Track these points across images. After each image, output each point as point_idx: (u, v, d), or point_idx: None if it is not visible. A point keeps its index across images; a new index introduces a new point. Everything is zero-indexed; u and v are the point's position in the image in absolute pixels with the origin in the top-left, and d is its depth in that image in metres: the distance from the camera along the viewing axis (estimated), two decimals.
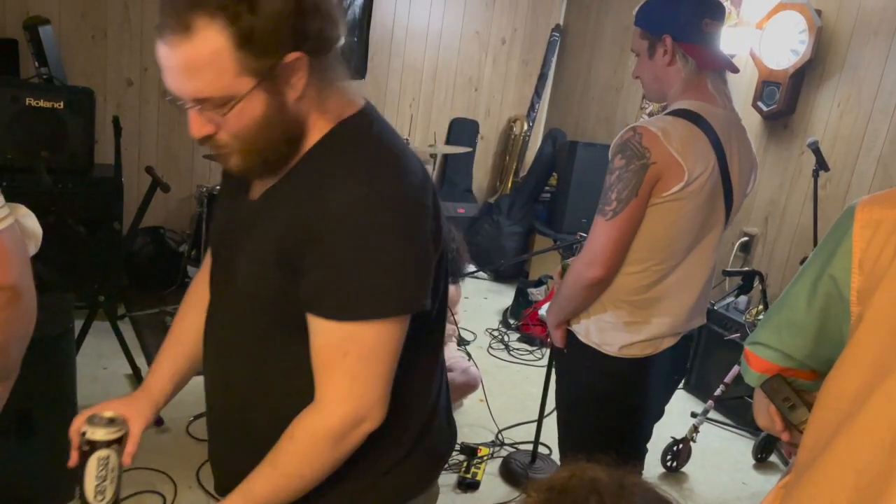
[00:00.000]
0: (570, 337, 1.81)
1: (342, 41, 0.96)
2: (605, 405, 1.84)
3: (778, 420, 1.05)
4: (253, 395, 1.07)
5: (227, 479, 1.08)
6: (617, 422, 1.88)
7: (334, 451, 0.96)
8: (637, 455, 1.98)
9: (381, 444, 1.04)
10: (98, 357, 3.15)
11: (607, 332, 1.73)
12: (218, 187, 1.82)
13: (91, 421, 1.05)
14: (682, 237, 1.67)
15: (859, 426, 0.82)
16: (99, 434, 1.03)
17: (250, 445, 1.04)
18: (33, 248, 1.19)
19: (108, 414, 1.07)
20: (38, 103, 3.25)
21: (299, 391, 0.99)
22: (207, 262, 1.20)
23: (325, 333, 0.94)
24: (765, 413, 1.08)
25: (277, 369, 1.04)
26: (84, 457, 1.04)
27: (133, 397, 1.16)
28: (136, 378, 2.89)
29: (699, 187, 1.61)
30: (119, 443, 1.05)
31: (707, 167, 1.61)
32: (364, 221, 0.91)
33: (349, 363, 0.94)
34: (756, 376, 1.04)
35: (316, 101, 0.96)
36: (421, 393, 1.13)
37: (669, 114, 1.65)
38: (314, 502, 1.03)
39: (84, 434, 1.04)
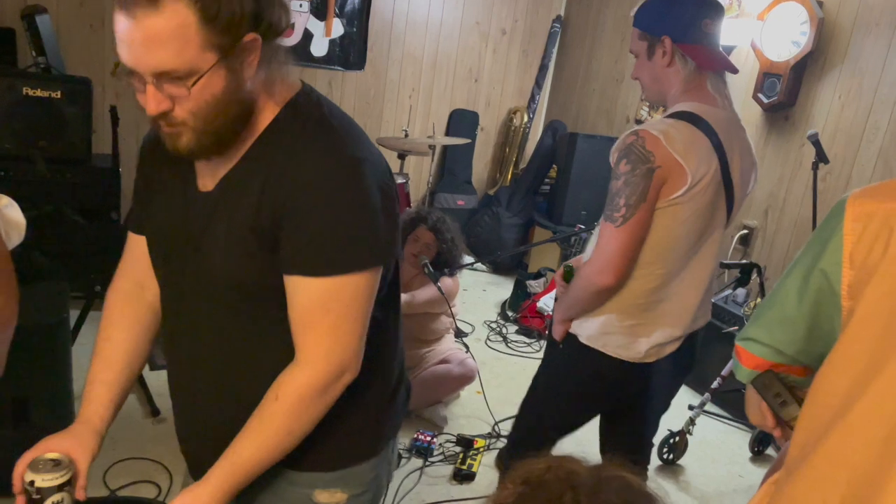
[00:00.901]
0: (570, 337, 1.81)
1: (288, 28, 1.00)
2: (585, 403, 1.88)
3: (769, 416, 1.04)
4: (229, 379, 1.09)
5: (202, 462, 1.09)
6: (588, 417, 1.96)
7: (319, 404, 1.02)
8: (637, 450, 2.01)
9: (370, 390, 1.14)
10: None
11: (613, 336, 1.73)
12: None
13: (35, 467, 1.02)
14: (686, 239, 1.67)
15: (852, 422, 0.81)
16: (48, 480, 1.01)
17: (226, 424, 1.06)
18: (17, 238, 1.18)
19: (52, 456, 1.04)
20: (35, 93, 3.24)
21: (274, 370, 1.03)
22: (127, 271, 1.20)
23: (307, 292, 0.99)
24: (756, 409, 1.07)
25: (253, 349, 1.07)
26: None
27: (74, 431, 1.12)
28: None
29: (702, 190, 1.60)
30: (70, 484, 1.03)
31: (709, 169, 1.60)
32: (336, 183, 0.97)
33: (330, 320, 0.99)
34: (747, 372, 1.03)
35: (264, 84, 1.00)
36: (394, 341, 1.21)
37: (670, 116, 1.64)
38: (306, 453, 1.08)
39: (32, 483, 1.00)
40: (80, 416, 1.15)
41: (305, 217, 0.96)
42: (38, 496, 1.00)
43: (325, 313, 0.99)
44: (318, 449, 1.10)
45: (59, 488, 1.01)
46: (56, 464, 1.03)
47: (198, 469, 1.15)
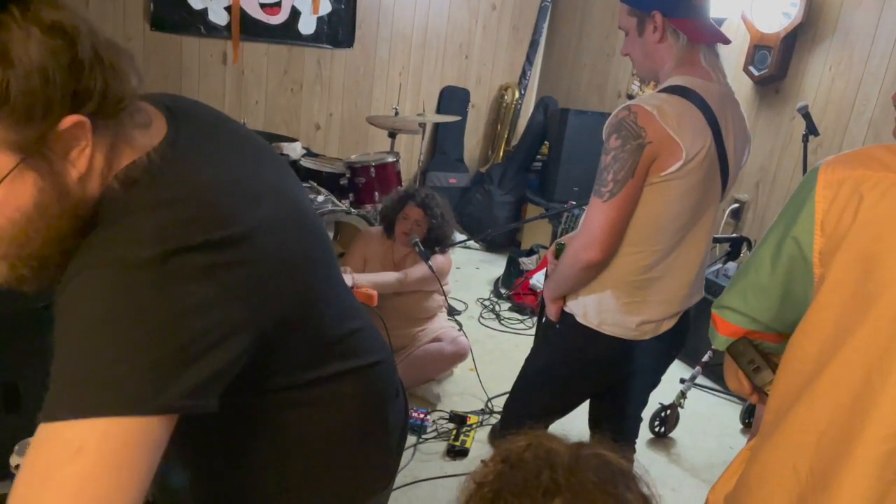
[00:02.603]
0: (566, 317, 1.81)
1: (138, 92, 0.75)
2: (582, 383, 1.89)
3: (746, 383, 1.06)
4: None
5: None
6: (584, 397, 1.97)
7: None
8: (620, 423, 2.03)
9: (325, 456, 0.98)
10: None
11: (607, 314, 1.73)
12: None
13: (21, 451, 1.02)
14: (681, 216, 1.66)
15: (820, 388, 0.82)
16: None
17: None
18: None
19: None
20: None
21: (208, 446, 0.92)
22: None
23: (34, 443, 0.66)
24: (734, 376, 1.09)
25: None
26: None
27: None
28: None
29: (697, 165, 1.59)
30: None
31: (704, 144, 1.59)
32: (85, 295, 0.68)
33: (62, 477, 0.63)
34: (723, 340, 1.04)
35: (105, 171, 0.73)
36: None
37: (664, 91, 1.62)
38: None
39: (18, 467, 0.98)
40: None
41: (56, 347, 0.69)
42: None
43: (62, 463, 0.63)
44: None
45: None
46: None
47: None
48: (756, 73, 3.64)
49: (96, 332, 0.67)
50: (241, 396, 0.78)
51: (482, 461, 0.76)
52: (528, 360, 2.01)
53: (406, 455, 2.64)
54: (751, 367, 1.01)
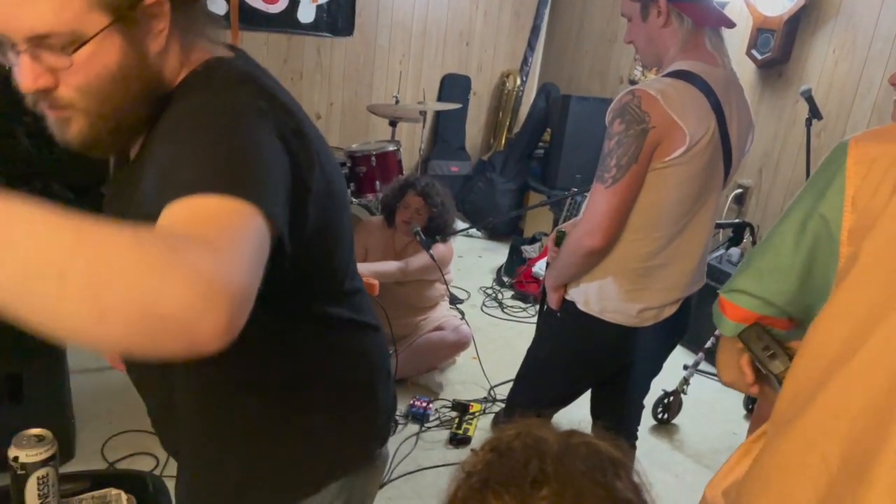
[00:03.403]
0: (567, 304, 1.81)
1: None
2: (586, 371, 1.88)
3: (750, 372, 1.01)
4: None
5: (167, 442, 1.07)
6: (587, 384, 1.96)
7: (164, 257, 0.56)
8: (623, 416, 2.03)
9: (309, 405, 1.00)
10: None
11: (609, 301, 1.72)
12: None
13: (19, 443, 1.02)
14: (684, 202, 1.65)
15: (853, 371, 0.79)
16: (32, 456, 1.01)
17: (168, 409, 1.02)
18: None
19: (35, 432, 1.05)
20: None
21: (218, 369, 0.92)
22: None
23: (165, 216, 0.68)
24: (733, 366, 1.04)
25: None
26: (21, 480, 1.02)
27: None
28: None
29: (700, 151, 1.58)
30: (54, 458, 1.04)
31: (708, 130, 1.57)
32: (204, 118, 0.77)
33: (203, 220, 0.66)
34: (732, 325, 0.99)
35: (181, 58, 0.85)
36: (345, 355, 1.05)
37: (668, 75, 1.60)
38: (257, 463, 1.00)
39: (16, 459, 1.01)
40: None
41: (165, 155, 0.76)
42: (23, 472, 1.01)
43: (195, 217, 0.67)
44: (246, 493, 1.00)
45: (44, 463, 1.02)
46: (39, 439, 1.04)
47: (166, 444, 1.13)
48: (759, 56, 3.61)
49: (221, 136, 0.75)
50: (269, 308, 0.81)
51: (472, 450, 0.75)
52: (530, 349, 2.00)
53: (409, 443, 2.65)
54: (766, 353, 0.95)
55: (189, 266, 0.56)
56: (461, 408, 2.88)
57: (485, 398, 3.02)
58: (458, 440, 2.70)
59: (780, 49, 3.53)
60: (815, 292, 0.89)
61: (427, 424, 2.79)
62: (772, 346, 0.95)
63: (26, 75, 0.75)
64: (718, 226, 3.08)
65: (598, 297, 1.73)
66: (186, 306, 0.55)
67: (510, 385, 2.07)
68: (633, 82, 4.58)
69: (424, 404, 2.85)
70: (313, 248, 0.89)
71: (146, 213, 0.70)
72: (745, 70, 3.69)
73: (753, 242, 3.13)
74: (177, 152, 0.75)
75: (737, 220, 3.11)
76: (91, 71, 0.76)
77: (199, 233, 0.62)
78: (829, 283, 0.84)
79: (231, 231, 0.65)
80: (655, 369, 2.00)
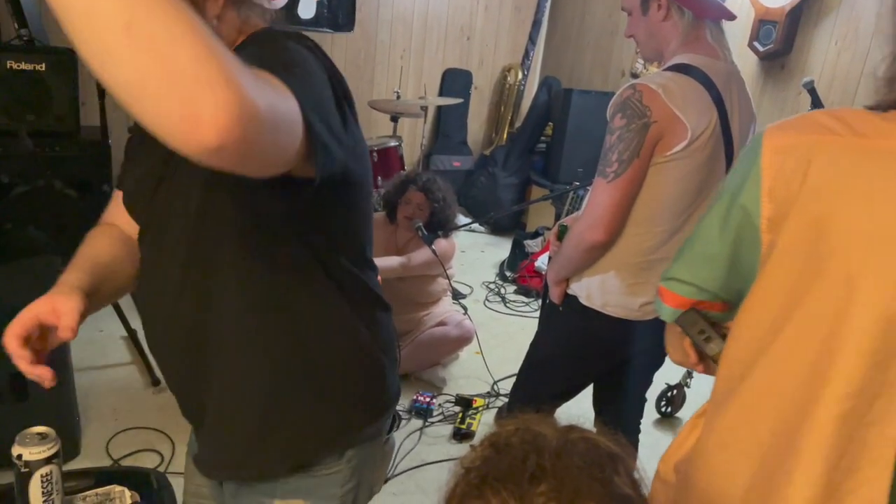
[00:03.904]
0: (569, 299, 1.80)
1: None
2: (588, 365, 1.88)
3: (692, 353, 1.07)
4: (197, 328, 1.02)
5: (191, 406, 1.09)
6: (590, 379, 1.96)
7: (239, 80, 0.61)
8: (621, 407, 2.03)
9: (327, 362, 1.05)
10: (93, 319, 3.14)
11: (611, 295, 1.72)
12: None
13: (22, 441, 1.03)
14: (686, 196, 1.64)
15: (778, 352, 0.84)
16: (35, 454, 1.02)
17: (198, 370, 1.03)
18: None
19: (38, 430, 1.05)
20: (19, 66, 3.20)
21: (251, 317, 0.99)
22: (107, 219, 1.15)
23: None
24: (678, 347, 1.10)
25: (216, 289, 0.99)
26: (25, 478, 1.02)
27: (52, 292, 0.98)
28: (132, 340, 2.92)
29: (702, 145, 1.57)
30: (57, 456, 1.04)
31: (709, 124, 1.57)
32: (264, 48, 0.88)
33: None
34: (670, 311, 1.05)
35: (238, 25, 0.94)
36: (367, 309, 1.10)
37: (669, 69, 1.60)
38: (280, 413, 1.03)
39: (20, 457, 1.02)
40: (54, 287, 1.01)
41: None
42: (27, 469, 1.01)
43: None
44: (266, 439, 1.04)
45: (47, 461, 1.02)
46: (43, 437, 1.04)
47: (186, 415, 1.15)
48: (761, 48, 3.60)
49: (277, 51, 0.85)
50: (304, 242, 0.96)
51: (471, 445, 0.75)
52: (532, 344, 2.00)
53: (413, 438, 2.66)
54: (701, 336, 1.02)
55: (226, 65, 0.59)
56: (464, 403, 2.89)
57: (488, 393, 3.02)
58: (462, 435, 2.70)
59: (782, 41, 3.51)
60: (743, 277, 0.93)
61: (430, 419, 2.80)
62: (706, 329, 1.02)
63: None
64: None
65: (600, 291, 1.72)
66: (205, 76, 0.57)
67: (513, 380, 2.08)
68: (634, 75, 4.57)
69: (428, 399, 2.86)
70: (344, 189, 0.99)
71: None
72: (747, 62, 3.68)
73: None
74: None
75: None
76: None
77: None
78: (754, 269, 0.89)
79: (272, 84, 0.72)
80: (658, 362, 2.00)
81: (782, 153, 0.85)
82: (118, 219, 1.15)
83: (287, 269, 0.99)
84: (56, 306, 0.93)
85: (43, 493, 1.02)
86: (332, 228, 1.01)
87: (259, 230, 0.96)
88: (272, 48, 0.89)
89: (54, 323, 0.93)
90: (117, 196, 1.17)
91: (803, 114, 0.90)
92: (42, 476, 1.02)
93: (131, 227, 1.13)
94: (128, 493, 1.15)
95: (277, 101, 0.70)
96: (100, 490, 1.15)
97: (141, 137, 1.09)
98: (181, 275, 1.00)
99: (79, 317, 0.94)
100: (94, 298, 1.00)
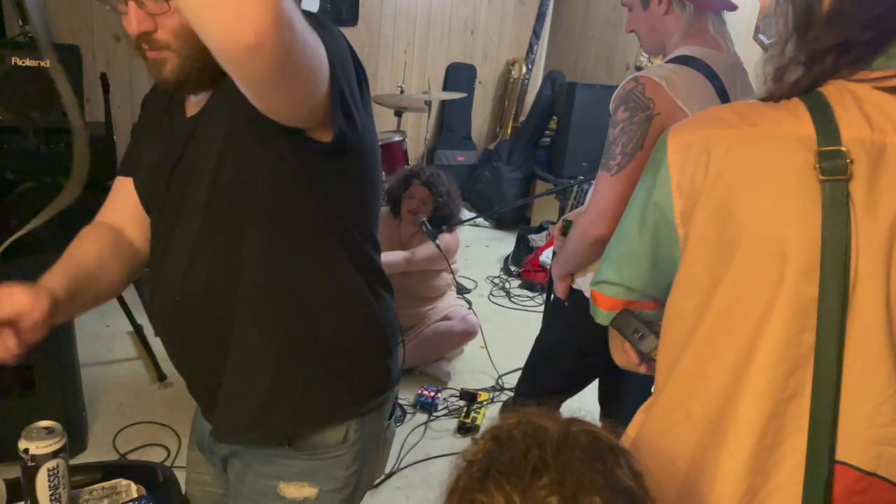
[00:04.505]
0: (574, 294, 1.81)
1: None
2: (594, 359, 1.88)
3: (633, 354, 1.09)
4: (214, 312, 1.04)
5: (201, 381, 1.11)
6: (595, 374, 1.97)
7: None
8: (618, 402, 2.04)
9: (336, 332, 1.07)
10: (100, 315, 3.20)
11: None
12: None
13: (29, 435, 1.04)
14: None
15: (702, 337, 0.88)
16: (42, 448, 1.03)
17: (216, 360, 1.04)
18: None
19: (45, 424, 1.06)
20: (23, 63, 3.20)
21: (269, 283, 1.01)
22: (106, 213, 1.16)
23: None
24: (620, 350, 1.12)
25: (235, 275, 1.01)
26: (31, 472, 1.03)
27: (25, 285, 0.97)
28: (138, 335, 2.93)
29: None
30: (64, 450, 1.05)
31: None
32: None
33: None
34: (605, 314, 1.08)
35: None
36: (373, 292, 1.12)
37: (672, 61, 1.59)
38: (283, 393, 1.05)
39: (27, 451, 1.03)
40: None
41: None
42: (34, 463, 1.02)
43: None
44: (269, 411, 1.05)
45: (54, 455, 1.03)
46: (49, 431, 1.05)
47: (193, 391, 1.16)
48: (766, 41, 3.58)
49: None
50: (318, 211, 1.00)
51: (472, 439, 0.76)
52: (537, 338, 2.01)
53: (417, 433, 2.67)
54: (636, 336, 1.04)
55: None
56: (469, 397, 2.89)
57: (493, 387, 3.03)
58: (467, 429, 2.71)
59: None
60: (666, 272, 0.97)
61: (435, 414, 2.81)
62: (640, 328, 1.04)
63: (132, 20, 0.90)
64: None
65: None
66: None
67: (518, 374, 2.08)
68: (639, 69, 4.55)
69: (432, 394, 2.86)
70: (357, 160, 1.03)
71: (225, 128, 0.92)
72: (752, 55, 3.66)
73: None
74: None
75: None
76: (184, 17, 0.87)
77: None
78: (676, 262, 0.93)
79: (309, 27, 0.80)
80: None
81: (684, 148, 0.89)
82: (117, 212, 1.16)
83: (304, 239, 1.02)
84: (21, 304, 0.92)
85: (49, 487, 1.03)
86: (346, 200, 1.04)
87: (277, 201, 0.98)
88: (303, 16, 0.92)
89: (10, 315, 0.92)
90: (119, 184, 1.17)
91: (706, 110, 0.95)
92: (49, 470, 1.03)
93: (130, 220, 1.15)
94: (134, 486, 1.16)
95: (309, 32, 0.80)
96: (106, 484, 1.16)
97: (152, 121, 1.11)
98: (198, 248, 1.02)
99: (36, 317, 0.92)
100: (70, 305, 1.01)
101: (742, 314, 0.84)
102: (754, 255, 0.82)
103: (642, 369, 1.11)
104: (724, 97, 1.59)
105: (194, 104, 1.03)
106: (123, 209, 1.15)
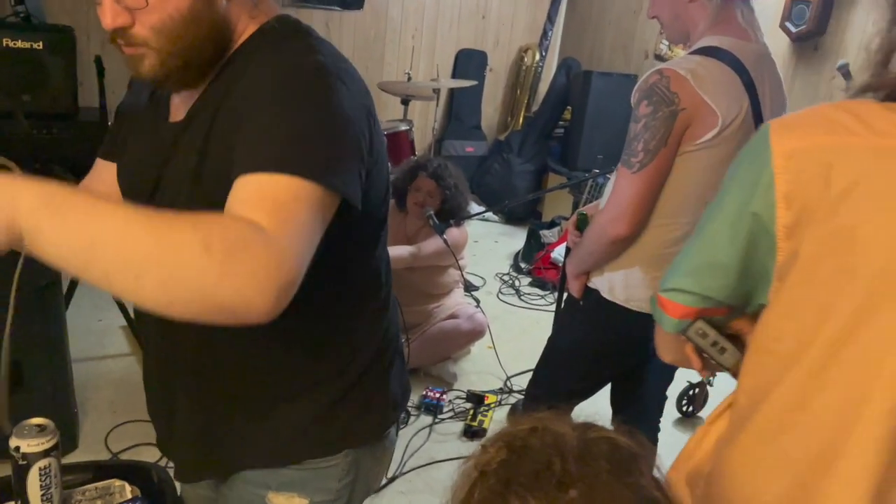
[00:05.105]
0: (590, 292, 1.80)
1: None
2: (609, 362, 1.88)
3: (697, 359, 1.05)
4: (206, 366, 1.05)
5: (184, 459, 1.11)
6: (610, 376, 1.97)
7: (226, 253, 0.72)
8: (640, 405, 2.03)
9: (319, 374, 1.05)
10: (93, 309, 3.22)
11: (635, 289, 1.71)
12: None
13: (20, 433, 1.03)
14: (715, 186, 1.57)
15: (809, 367, 0.82)
16: (34, 446, 1.02)
17: (199, 391, 1.05)
18: None
19: (37, 421, 1.06)
20: (15, 44, 3.21)
21: (248, 344, 0.99)
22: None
23: (241, 189, 0.82)
24: (675, 349, 1.08)
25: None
26: (23, 471, 1.03)
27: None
28: (131, 330, 2.95)
29: (732, 133, 1.56)
30: (56, 448, 1.05)
31: (741, 110, 1.55)
32: (293, 82, 0.88)
33: (268, 208, 0.79)
34: (675, 323, 1.02)
35: (248, 10, 0.96)
36: (366, 321, 1.12)
37: (697, 52, 1.58)
38: (259, 443, 1.05)
39: (18, 449, 1.02)
40: None
41: (252, 115, 0.87)
42: (25, 462, 1.03)
43: (263, 201, 0.80)
44: (260, 434, 1.06)
45: (46, 454, 1.03)
46: (41, 429, 1.05)
47: (183, 470, 1.16)
48: (793, 29, 3.56)
49: (299, 106, 0.86)
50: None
51: (482, 445, 0.74)
52: (550, 338, 2.00)
53: (422, 435, 2.67)
54: (715, 348, 0.99)
55: (247, 266, 0.72)
56: (476, 399, 2.90)
57: (501, 389, 3.03)
58: (473, 432, 2.71)
59: (815, 21, 3.48)
60: (754, 281, 0.92)
61: (440, 416, 2.81)
62: (719, 340, 0.99)
63: (106, 13, 0.88)
64: None
65: (623, 284, 1.72)
66: (241, 298, 0.72)
67: (527, 376, 2.08)
68: (658, 57, 4.53)
69: (438, 395, 2.87)
70: (374, 201, 1.02)
71: (201, 173, 0.90)
72: (778, 44, 3.64)
73: None
74: (259, 118, 0.86)
75: None
76: (164, 11, 0.88)
77: (263, 222, 0.76)
78: (768, 272, 0.88)
79: (293, 220, 0.79)
80: None
81: (798, 156, 0.83)
82: (94, 189, 1.13)
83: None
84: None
85: (41, 486, 1.03)
86: (345, 230, 1.00)
87: None
88: (283, 81, 0.88)
89: None
90: (100, 167, 1.15)
91: (810, 109, 0.88)
92: (41, 469, 1.03)
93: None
94: (128, 487, 1.16)
95: (306, 236, 0.80)
96: (99, 484, 1.16)
97: (136, 109, 1.08)
98: None
99: None
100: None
101: (860, 349, 0.79)
102: (879, 287, 0.77)
103: (703, 374, 1.08)
104: (751, 91, 1.58)
105: (179, 104, 1.01)
106: (101, 189, 1.13)
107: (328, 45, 0.96)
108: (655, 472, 0.71)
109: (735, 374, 0.98)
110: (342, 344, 1.08)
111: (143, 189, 1.02)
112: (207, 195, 0.90)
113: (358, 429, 1.11)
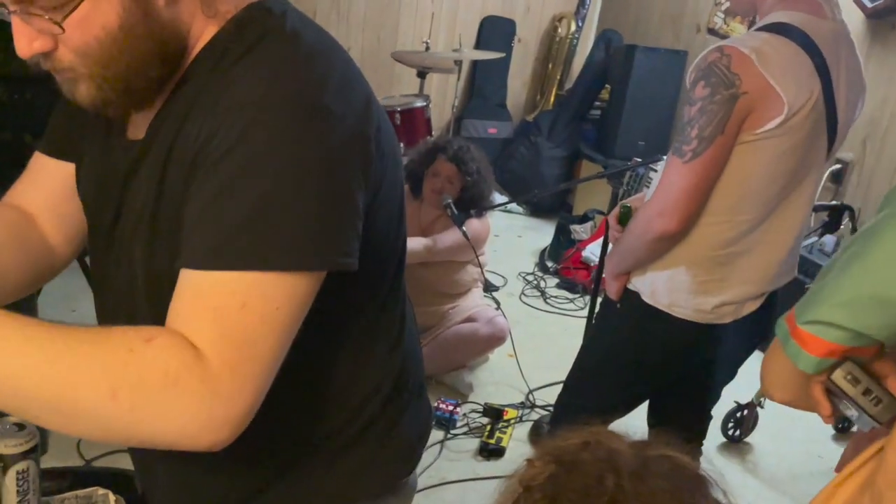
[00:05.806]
0: (629, 295, 1.81)
1: None
2: (649, 374, 1.89)
3: (826, 405, 1.01)
4: None
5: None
6: (651, 389, 1.97)
7: (159, 397, 0.75)
8: (693, 423, 2.04)
9: (319, 429, 1.04)
10: (65, 298, 3.25)
11: (679, 293, 1.73)
12: None
13: (4, 434, 1.04)
14: (777, 181, 1.63)
15: None
16: (11, 447, 1.03)
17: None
18: None
19: (14, 419, 1.06)
20: None
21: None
22: (16, 196, 1.08)
23: (181, 289, 0.81)
24: (794, 386, 1.04)
25: None
26: None
27: None
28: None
29: (801, 121, 1.56)
30: (35, 451, 1.06)
31: (811, 97, 1.55)
32: (260, 134, 0.80)
33: (209, 317, 0.78)
34: (816, 361, 0.98)
35: (202, 8, 0.87)
36: (373, 368, 1.08)
37: (764, 29, 1.58)
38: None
39: None
40: None
41: (202, 178, 0.81)
42: (2, 464, 1.04)
43: (204, 311, 0.78)
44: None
45: (24, 455, 1.05)
46: (20, 428, 1.06)
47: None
48: (869, 3, 3.55)
49: (266, 173, 0.80)
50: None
51: (528, 460, 0.75)
52: (584, 347, 2.02)
53: (432, 452, 2.69)
54: (867, 397, 0.95)
55: (175, 405, 0.75)
56: (494, 413, 2.91)
57: (522, 403, 3.04)
58: (490, 451, 2.73)
59: None
60: None
61: (453, 431, 2.83)
62: (872, 387, 0.95)
63: (20, 39, 0.80)
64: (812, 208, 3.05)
65: (667, 288, 1.73)
66: (177, 436, 0.77)
67: (552, 389, 2.09)
68: (712, 31, 4.52)
69: (451, 408, 2.89)
70: (380, 223, 0.98)
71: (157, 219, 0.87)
72: (850, 20, 3.60)
73: (853, 229, 3.10)
74: (208, 185, 0.81)
75: (833, 202, 3.08)
76: (89, 33, 0.80)
77: (202, 344, 0.76)
78: None
79: (239, 339, 0.78)
80: (730, 375, 2.01)
81: None
82: (31, 196, 1.07)
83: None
84: None
85: (18, 491, 1.05)
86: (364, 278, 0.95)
87: None
88: (245, 130, 0.80)
89: None
90: (39, 163, 1.09)
91: None
92: (18, 472, 1.05)
93: (47, 210, 1.07)
94: (112, 496, 1.18)
95: (270, 353, 0.81)
96: (80, 492, 1.19)
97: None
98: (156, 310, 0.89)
99: None
100: None
101: None
102: None
103: (829, 421, 1.03)
104: (824, 75, 1.57)
105: (137, 117, 0.94)
106: (41, 195, 1.07)
107: (308, 46, 0.88)
108: (722, 498, 0.72)
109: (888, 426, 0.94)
110: (339, 405, 1.05)
111: (104, 217, 0.98)
112: (166, 242, 0.88)
113: (363, 485, 1.10)
